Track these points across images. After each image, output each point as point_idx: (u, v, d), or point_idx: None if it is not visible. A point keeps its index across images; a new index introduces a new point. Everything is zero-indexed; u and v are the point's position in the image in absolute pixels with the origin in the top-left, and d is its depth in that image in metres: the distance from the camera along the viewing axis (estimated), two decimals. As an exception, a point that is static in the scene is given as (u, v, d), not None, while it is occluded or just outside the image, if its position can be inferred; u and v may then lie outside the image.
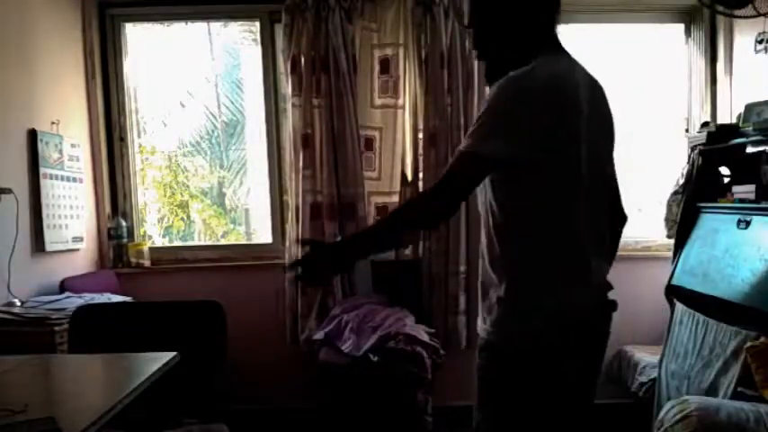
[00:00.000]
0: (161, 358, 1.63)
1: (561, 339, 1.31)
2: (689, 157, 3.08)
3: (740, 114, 2.83)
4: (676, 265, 2.84)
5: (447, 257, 3.25)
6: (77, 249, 3.17)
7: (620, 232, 1.59)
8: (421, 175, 3.34)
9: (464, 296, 3.26)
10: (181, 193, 3.93)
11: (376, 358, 2.67)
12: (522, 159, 1.27)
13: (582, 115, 1.29)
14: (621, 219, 1.58)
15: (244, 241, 3.85)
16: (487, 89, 1.56)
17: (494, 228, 1.40)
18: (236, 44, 4.00)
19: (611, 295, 1.42)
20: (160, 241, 3.80)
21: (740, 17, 2.75)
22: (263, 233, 3.72)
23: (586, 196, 1.34)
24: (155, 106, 3.85)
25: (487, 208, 1.42)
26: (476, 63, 3.23)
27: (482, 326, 1.43)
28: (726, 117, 3.31)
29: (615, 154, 1.49)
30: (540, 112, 1.25)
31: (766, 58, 2.97)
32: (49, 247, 2.87)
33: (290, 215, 3.34)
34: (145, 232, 3.66)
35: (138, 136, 3.68)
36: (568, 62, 1.37)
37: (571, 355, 1.32)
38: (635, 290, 2.98)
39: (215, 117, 4.14)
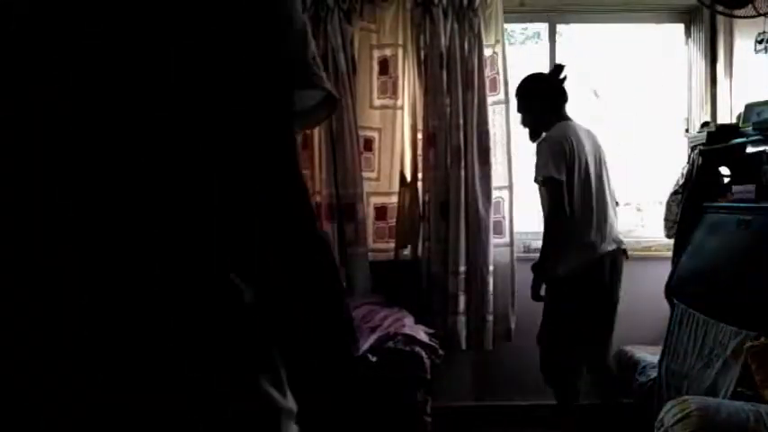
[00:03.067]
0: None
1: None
2: (689, 157, 3.07)
3: (740, 114, 2.83)
4: (676, 266, 2.84)
5: (446, 257, 3.25)
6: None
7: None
8: (420, 175, 3.33)
9: (464, 296, 3.25)
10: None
11: (374, 358, 2.66)
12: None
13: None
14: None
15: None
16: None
17: None
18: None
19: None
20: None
21: (740, 17, 2.75)
22: (262, 233, 3.71)
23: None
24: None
25: None
26: (475, 64, 3.24)
27: None
28: (726, 117, 3.30)
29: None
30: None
31: (766, 58, 2.96)
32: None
33: (290, 215, 3.33)
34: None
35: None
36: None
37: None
38: (635, 290, 2.97)
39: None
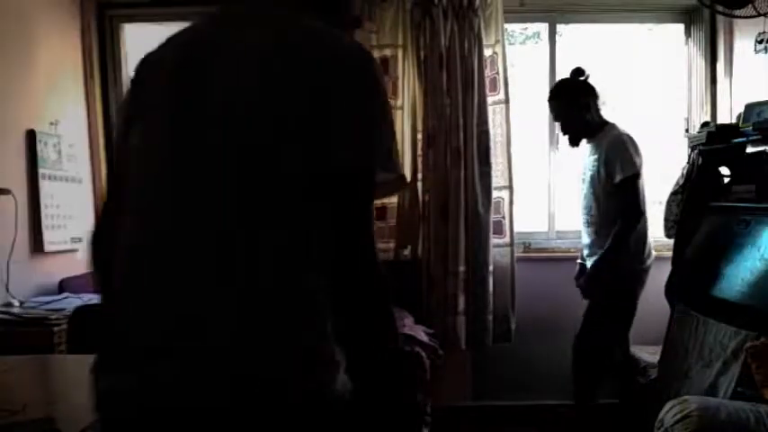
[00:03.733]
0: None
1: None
2: (689, 156, 3.07)
3: (740, 114, 2.82)
4: (676, 266, 2.84)
5: (446, 257, 3.25)
6: (76, 250, 3.16)
7: None
8: (420, 175, 3.33)
9: (463, 296, 3.25)
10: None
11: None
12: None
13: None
14: None
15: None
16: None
17: None
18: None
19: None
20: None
21: (740, 17, 2.74)
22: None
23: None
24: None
25: None
26: (475, 64, 3.24)
27: None
28: (726, 117, 3.30)
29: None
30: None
31: (766, 58, 2.96)
32: (47, 248, 2.86)
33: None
34: (144, 233, 3.64)
35: (138, 136, 3.67)
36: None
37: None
38: (635, 290, 2.97)
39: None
